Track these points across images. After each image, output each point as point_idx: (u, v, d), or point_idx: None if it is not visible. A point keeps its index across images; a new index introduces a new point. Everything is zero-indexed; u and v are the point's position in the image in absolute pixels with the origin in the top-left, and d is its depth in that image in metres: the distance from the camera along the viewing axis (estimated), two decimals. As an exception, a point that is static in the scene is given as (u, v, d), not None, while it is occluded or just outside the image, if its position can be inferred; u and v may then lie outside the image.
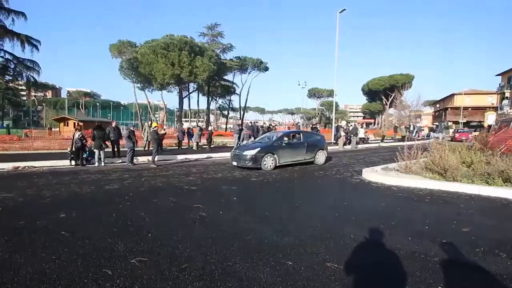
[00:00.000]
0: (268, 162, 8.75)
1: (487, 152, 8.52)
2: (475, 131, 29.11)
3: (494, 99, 43.98)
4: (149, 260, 2.76)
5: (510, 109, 23.77)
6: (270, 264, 2.71)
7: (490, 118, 28.53)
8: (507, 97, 38.81)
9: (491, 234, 3.58)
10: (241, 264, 2.71)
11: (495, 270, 2.65)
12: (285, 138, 9.72)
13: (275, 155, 8.88)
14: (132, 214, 4.29)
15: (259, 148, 8.86)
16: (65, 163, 9.77)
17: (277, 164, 8.95)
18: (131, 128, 11.28)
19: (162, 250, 3.01)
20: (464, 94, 46.58)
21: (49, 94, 78.82)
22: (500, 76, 42.09)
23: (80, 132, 9.71)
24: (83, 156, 9.75)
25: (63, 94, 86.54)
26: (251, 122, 17.10)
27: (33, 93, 62.48)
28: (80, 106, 66.12)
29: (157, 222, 3.91)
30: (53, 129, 31.07)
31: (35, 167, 9.16)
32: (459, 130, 29.46)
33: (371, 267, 2.77)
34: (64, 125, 28.92)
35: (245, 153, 8.91)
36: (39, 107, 68.40)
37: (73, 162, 9.66)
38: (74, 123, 25.19)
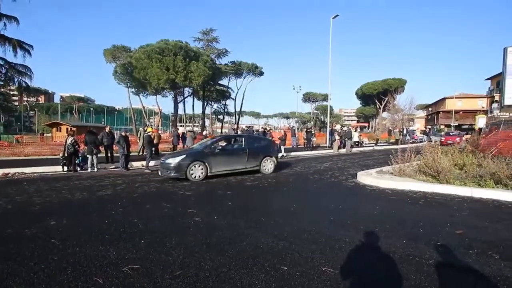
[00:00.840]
0: (196, 172, 7.65)
1: (479, 155, 8.66)
2: (466, 134, 29.66)
3: (484, 102, 44.97)
4: (141, 268, 2.71)
5: (500, 112, 24.24)
6: (265, 270, 2.68)
7: (480, 121, 29.10)
8: (496, 101, 39.64)
9: (484, 236, 3.61)
10: (235, 270, 2.67)
11: (489, 271, 2.66)
12: (221, 144, 8.67)
13: (205, 163, 7.78)
14: (125, 220, 4.21)
15: (184, 155, 7.80)
16: (57, 169, 9.61)
17: (209, 174, 7.83)
18: (122, 133, 11.18)
19: (155, 257, 2.95)
20: (456, 98, 47.49)
21: (41, 99, 77.91)
22: (490, 81, 43.09)
23: (72, 138, 9.56)
24: (76, 161, 9.59)
25: (56, 99, 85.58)
26: (247, 127, 17.08)
27: (25, 98, 61.67)
28: (74, 111, 65.40)
29: (150, 229, 3.84)
30: (45, 134, 30.60)
31: (25, 173, 8.98)
32: (446, 133, 28.07)
33: (366, 270, 2.76)
34: (57, 131, 28.54)
35: (168, 160, 7.76)
36: (31, 112, 67.47)
37: (65, 168, 9.50)
38: (67, 129, 24.84)
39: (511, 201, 5.33)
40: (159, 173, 7.98)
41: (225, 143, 8.95)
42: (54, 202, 5.40)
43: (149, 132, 10.26)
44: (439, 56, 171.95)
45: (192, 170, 7.60)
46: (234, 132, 14.71)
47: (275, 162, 9.32)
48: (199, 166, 7.74)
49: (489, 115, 31.89)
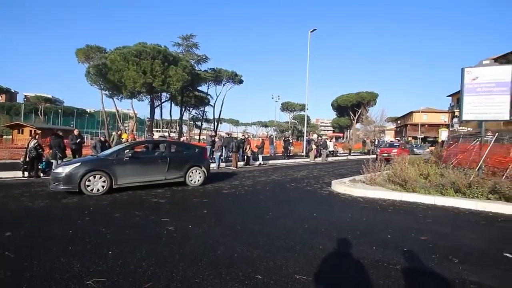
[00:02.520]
0: (95, 184, 6.28)
1: (441, 165, 9.33)
2: (431, 145, 31.81)
3: (447, 117, 48.84)
4: (107, 281, 2.55)
5: (460, 126, 26.44)
6: (239, 279, 2.65)
7: (443, 134, 31.55)
8: (456, 116, 43.25)
9: (446, 242, 3.86)
10: (209, 281, 2.61)
11: (449, 275, 2.84)
12: (132, 150, 7.15)
13: (108, 174, 6.44)
14: (92, 230, 3.96)
15: (78, 163, 6.46)
16: (16, 174, 8.84)
17: (115, 186, 6.52)
18: (101, 138, 10.63)
19: (124, 268, 2.79)
20: (422, 112, 51.15)
21: (2, 99, 71.82)
22: (451, 97, 46.99)
23: (36, 141, 8.89)
24: (39, 167, 8.90)
25: (20, 99, 79.31)
26: (227, 133, 16.97)
27: (-18, 97, 56.43)
28: (39, 113, 60.97)
29: (119, 239, 3.64)
30: (4, 136, 28.12)
31: (-22, 179, 8.15)
32: (385, 144, 24.61)
33: (338, 277, 2.82)
34: (19, 133, 26.45)
35: (58, 170, 6.43)
36: (-11, 112, 61.82)
37: (26, 174, 8.77)
38: (31, 131, 23.08)
39: (468, 208, 5.77)
40: (49, 186, 6.50)
41: (139, 149, 7.82)
42: (11, 211, 4.95)
43: (123, 139, 9.71)
44: (408, 72, 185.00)
45: (88, 181, 6.23)
46: (211, 139, 14.45)
47: (205, 173, 8.12)
48: (99, 177, 6.35)
49: (450, 129, 34.65)
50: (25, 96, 78.67)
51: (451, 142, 12.76)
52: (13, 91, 75.49)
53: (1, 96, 70.37)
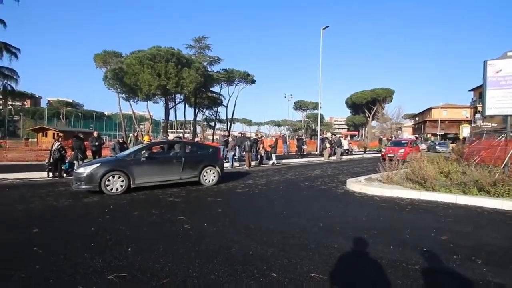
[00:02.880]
0: (114, 183, 6.51)
1: (463, 163, 8.94)
2: (452, 142, 30.52)
3: (468, 112, 46.68)
4: (128, 275, 2.64)
5: (483, 122, 25.18)
6: (254, 276, 2.67)
7: (465, 131, 30.15)
8: (479, 111, 41.28)
9: (468, 242, 3.71)
10: (224, 278, 2.65)
11: (472, 276, 2.73)
12: (149, 151, 7.38)
13: (127, 173, 6.65)
14: (112, 227, 4.12)
15: (99, 164, 6.72)
16: (42, 175, 9.32)
17: (133, 185, 6.72)
18: (120, 140, 10.98)
19: (142, 264, 2.89)
20: (441, 108, 49.16)
21: (27, 104, 75.81)
22: (472, 92, 44.88)
23: (59, 143, 9.34)
24: (62, 167, 9.34)
25: (43, 104, 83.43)
26: (240, 133, 17.06)
27: (9, 102, 59.83)
28: (61, 116, 63.93)
29: (138, 236, 3.77)
30: (30, 139, 29.69)
31: (8, 179, 8.67)
32: (392, 143, 19.87)
33: (354, 276, 2.79)
34: (43, 136, 27.84)
35: (79, 170, 6.71)
36: (16, 116, 65.51)
37: (50, 174, 9.23)
38: (54, 134, 24.25)
39: (493, 208, 5.51)
40: (72, 186, 6.76)
41: (155, 150, 8.00)
42: (38, 209, 5.23)
43: (144, 141, 10.04)
44: (426, 66, 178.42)
45: (108, 181, 6.46)
46: (223, 139, 14.59)
47: (219, 172, 8.20)
48: (118, 177, 6.57)
49: (473, 125, 33.12)
50: (48, 100, 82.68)
51: (474, 139, 12.21)
52: (37, 96, 79.48)
53: (27, 101, 74.25)
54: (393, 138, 30.81)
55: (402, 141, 18.62)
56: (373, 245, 3.51)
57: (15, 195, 6.38)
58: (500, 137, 8.58)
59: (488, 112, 7.72)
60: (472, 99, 46.14)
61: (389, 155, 14.89)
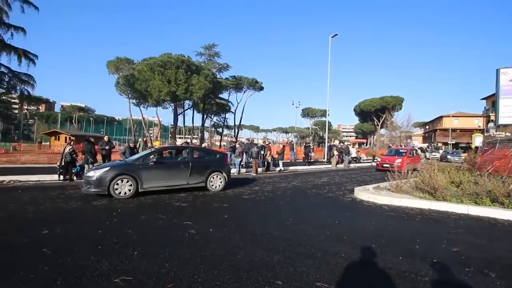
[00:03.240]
0: (122, 187, 6.60)
1: (475, 173, 8.71)
2: (464, 152, 29.71)
3: (481, 121, 45.59)
4: (133, 279, 2.66)
5: (496, 131, 24.52)
6: (259, 284, 2.64)
7: (477, 140, 29.35)
8: (492, 120, 40.29)
9: (480, 254, 3.59)
10: (229, 284, 2.63)
11: (485, 290, 2.63)
12: (157, 155, 7.54)
13: (135, 178, 6.74)
14: (119, 231, 4.16)
15: (108, 168, 6.82)
16: (53, 177, 9.54)
17: (141, 190, 6.81)
18: (130, 144, 11.17)
19: (148, 268, 2.90)
20: (452, 116, 48.20)
21: (42, 108, 78.27)
22: (485, 100, 43.92)
23: (71, 146, 9.57)
24: (73, 171, 9.54)
25: (57, 108, 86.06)
26: (247, 139, 17.11)
27: (25, 107, 61.94)
28: (73, 121, 65.63)
29: (144, 240, 3.80)
30: (43, 143, 30.55)
31: (20, 181, 8.90)
32: (390, 152, 17.97)
33: (362, 286, 2.72)
34: (55, 139, 28.59)
35: (89, 174, 6.84)
36: (31, 120, 67.62)
37: (61, 177, 9.44)
38: (66, 138, 24.88)
39: (507, 219, 5.32)
40: (81, 188, 6.84)
41: (164, 155, 8.08)
42: (48, 211, 5.34)
43: (157, 146, 10.22)
44: (436, 74, 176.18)
45: (117, 185, 6.56)
46: (230, 145, 14.65)
47: (226, 178, 8.21)
48: (126, 181, 6.67)
49: (485, 134, 32.27)
50: (62, 105, 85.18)
51: (486, 148, 11.90)
52: (52, 101, 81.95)
53: (41, 106, 76.65)
54: (403, 146, 30.24)
55: (400, 150, 16.94)
56: (381, 255, 3.43)
57: (27, 197, 6.54)
58: (514, 147, 8.34)
59: (501, 121, 7.58)
60: (484, 107, 45.10)
61: (385, 165, 14.03)
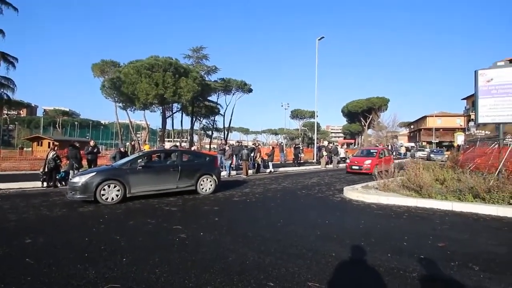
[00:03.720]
0: (109, 193, 6.42)
1: (458, 170, 9.04)
2: (447, 150, 30.68)
3: (462, 121, 47.34)
4: (122, 287, 2.59)
5: (476, 130, 25.50)
6: (251, 286, 2.63)
7: (459, 139, 30.34)
8: (472, 119, 41.91)
9: (465, 248, 3.72)
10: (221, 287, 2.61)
11: (469, 283, 2.73)
12: (145, 159, 7.51)
13: (122, 183, 6.57)
14: (107, 237, 4.05)
15: (94, 173, 6.64)
16: (36, 184, 9.19)
17: (128, 195, 6.64)
18: (121, 149, 10.94)
19: (137, 275, 2.84)
20: (435, 116, 49.86)
21: (23, 113, 75.44)
22: (465, 100, 45.67)
23: (54, 152, 9.25)
24: (57, 177, 9.23)
25: (39, 113, 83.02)
26: (237, 142, 17.09)
27: (5, 111, 59.52)
28: (57, 125, 63.55)
29: (133, 246, 3.71)
30: (25, 149, 29.38)
31: (0, 189, 8.52)
32: (362, 152, 16.22)
33: (352, 285, 2.77)
34: (38, 145, 27.57)
35: (74, 179, 6.62)
36: (11, 126, 64.99)
37: (45, 184, 9.10)
38: (49, 143, 24.04)
39: (488, 214, 5.54)
40: (66, 195, 6.63)
41: (152, 159, 8.00)
42: (30, 219, 5.14)
43: (145, 150, 10.04)
44: (420, 75, 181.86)
45: (103, 190, 6.38)
46: (220, 148, 14.59)
47: (216, 181, 8.17)
48: (113, 186, 6.50)
49: (467, 133, 33.51)
50: (44, 110, 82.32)
51: (468, 146, 12.38)
52: (34, 105, 79.15)
53: (22, 111, 73.87)
54: (390, 146, 30.99)
55: (371, 151, 15.25)
56: (371, 253, 3.50)
57: (8, 205, 6.27)
58: (493, 145, 8.71)
59: (480, 120, 7.87)
60: (465, 107, 46.87)
61: (354, 168, 12.87)
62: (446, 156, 23.14)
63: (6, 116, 62.99)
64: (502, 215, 5.44)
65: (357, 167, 12.01)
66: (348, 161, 15.58)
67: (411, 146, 45.25)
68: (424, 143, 48.99)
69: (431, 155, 26.58)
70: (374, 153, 14.36)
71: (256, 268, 3.03)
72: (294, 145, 24.34)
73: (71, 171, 9.30)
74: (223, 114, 45.67)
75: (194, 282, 2.70)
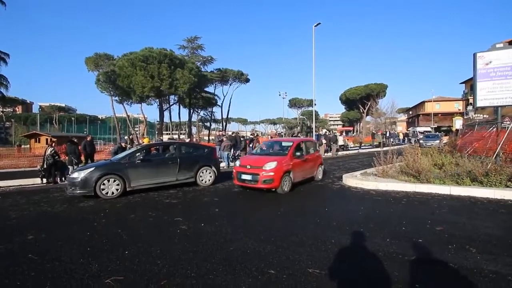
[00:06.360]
0: (109, 187, 6.43)
1: (456, 154, 9.07)
2: (445, 135, 30.70)
3: (460, 105, 47.24)
4: (125, 279, 2.63)
5: (475, 114, 25.48)
6: (252, 274, 2.67)
7: (457, 123, 30.36)
8: (471, 103, 41.83)
9: (462, 231, 3.77)
10: (222, 277, 2.65)
11: (466, 265, 2.78)
12: (143, 153, 7.51)
13: (122, 177, 6.57)
14: (108, 231, 4.08)
15: (93, 168, 6.60)
16: (35, 181, 9.18)
17: (128, 189, 6.65)
18: (122, 144, 10.91)
19: (140, 267, 2.87)
20: (434, 101, 49.67)
21: (19, 110, 74.57)
22: (464, 84, 45.44)
23: (52, 148, 9.20)
24: (56, 173, 9.21)
25: (35, 109, 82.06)
26: (233, 133, 17.03)
27: (0, 109, 58.90)
28: (54, 121, 63.07)
29: (134, 239, 3.74)
30: (22, 146, 29.25)
31: (0, 187, 8.52)
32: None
33: (352, 270, 2.81)
34: (36, 142, 27.42)
35: (74, 175, 6.58)
36: (8, 123, 64.43)
37: (44, 180, 9.09)
38: (47, 139, 23.91)
39: (486, 197, 5.60)
40: (66, 191, 6.64)
41: (150, 152, 7.99)
42: (32, 216, 5.15)
43: (146, 143, 10.02)
44: (418, 60, 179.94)
45: (103, 185, 6.39)
46: (219, 139, 14.55)
47: (216, 172, 8.15)
48: (113, 180, 6.50)
49: (465, 117, 33.51)
50: (40, 106, 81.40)
51: (466, 131, 12.38)
52: (29, 102, 78.18)
53: (18, 108, 73.04)
54: (388, 132, 30.93)
55: (283, 144, 8.24)
56: (370, 239, 3.54)
57: (8, 203, 6.28)
58: (491, 128, 8.72)
59: (479, 103, 7.83)
60: (463, 91, 46.70)
61: (244, 178, 6.64)
62: (444, 140, 19.48)
63: (1, 113, 62.41)
64: (499, 198, 5.51)
65: (249, 177, 6.60)
66: (238, 163, 7.64)
67: (413, 132, 45.11)
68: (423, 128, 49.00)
69: (421, 141, 20.96)
70: (287, 148, 7.50)
71: (257, 256, 3.07)
72: (292, 134, 24.30)
73: (70, 167, 9.28)
74: (220, 105, 45.38)
75: (196, 272, 2.73)
